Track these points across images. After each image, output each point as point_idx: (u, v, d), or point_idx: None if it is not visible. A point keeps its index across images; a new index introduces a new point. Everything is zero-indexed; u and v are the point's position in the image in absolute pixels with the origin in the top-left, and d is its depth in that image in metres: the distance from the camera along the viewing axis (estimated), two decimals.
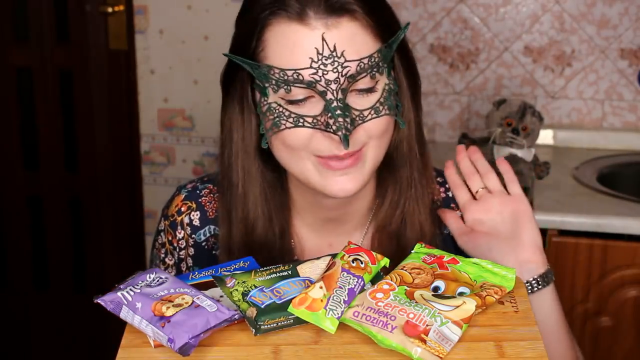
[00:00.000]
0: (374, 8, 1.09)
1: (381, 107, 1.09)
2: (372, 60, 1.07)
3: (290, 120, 1.08)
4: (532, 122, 2.09)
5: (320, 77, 1.05)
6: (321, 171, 1.11)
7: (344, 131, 1.05)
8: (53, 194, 2.87)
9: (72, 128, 2.81)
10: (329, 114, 1.06)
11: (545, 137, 2.49)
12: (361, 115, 1.08)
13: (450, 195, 1.28)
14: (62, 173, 2.86)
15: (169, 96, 2.69)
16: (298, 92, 1.07)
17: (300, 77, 1.06)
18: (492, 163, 2.08)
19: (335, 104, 1.06)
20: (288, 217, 1.24)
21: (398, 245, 1.20)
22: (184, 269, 1.28)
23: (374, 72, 1.08)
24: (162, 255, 1.30)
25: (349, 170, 1.11)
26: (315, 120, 1.07)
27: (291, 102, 1.08)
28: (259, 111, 1.11)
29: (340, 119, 1.05)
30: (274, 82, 1.07)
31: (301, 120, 1.08)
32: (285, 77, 1.06)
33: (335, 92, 1.06)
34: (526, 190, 2.06)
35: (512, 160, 2.08)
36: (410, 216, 1.20)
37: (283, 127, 1.09)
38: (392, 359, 0.92)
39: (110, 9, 2.65)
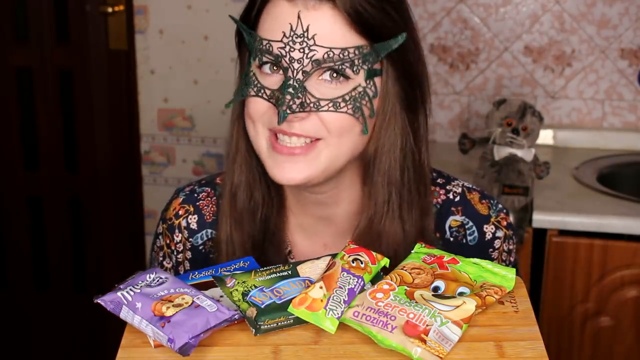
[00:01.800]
0: (363, 6, 1.07)
1: (343, 104, 1.08)
2: (345, 53, 1.07)
3: (255, 89, 1.10)
4: (532, 122, 2.09)
5: (286, 52, 1.06)
6: (270, 152, 1.12)
7: (284, 107, 1.06)
8: (53, 194, 2.87)
9: (72, 128, 2.81)
10: (282, 90, 1.07)
11: (545, 137, 2.49)
12: (317, 104, 1.07)
13: (451, 197, 1.26)
14: (62, 173, 2.85)
15: (169, 96, 2.69)
16: (269, 63, 1.09)
17: (270, 49, 1.07)
18: (493, 163, 2.09)
19: (291, 82, 1.06)
20: (282, 210, 1.23)
21: None
22: (182, 272, 1.27)
23: (343, 67, 1.07)
24: (160, 259, 1.30)
25: (297, 159, 1.10)
26: (272, 94, 1.09)
27: (262, 72, 1.10)
28: (243, 76, 1.13)
29: (288, 97, 1.06)
30: (254, 49, 1.09)
31: (262, 92, 1.09)
32: (260, 46, 1.08)
33: (295, 72, 1.06)
34: (526, 190, 2.07)
35: (512, 160, 2.08)
36: (385, 236, 1.17)
37: (247, 94, 1.11)
38: (392, 359, 0.92)
39: (110, 9, 2.65)
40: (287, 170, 1.11)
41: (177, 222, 1.27)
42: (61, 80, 2.78)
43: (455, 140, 2.41)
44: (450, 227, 1.25)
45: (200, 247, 1.27)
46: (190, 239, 1.26)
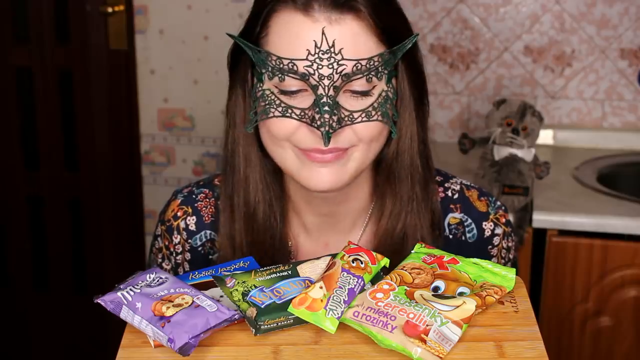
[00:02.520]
0: (381, 11, 1.08)
1: (374, 112, 1.08)
2: (371, 63, 1.06)
3: (280, 109, 1.08)
4: (532, 122, 2.09)
5: (314, 70, 1.05)
6: (302, 160, 1.11)
7: (327, 128, 1.05)
8: (53, 194, 2.87)
9: (72, 128, 2.81)
10: (317, 109, 1.05)
11: (545, 137, 2.49)
12: (351, 117, 1.07)
13: (450, 194, 1.27)
14: (62, 173, 2.85)
15: (169, 96, 2.69)
16: (291, 83, 1.07)
17: (295, 68, 1.05)
18: (493, 163, 2.09)
19: (324, 99, 1.05)
20: (286, 209, 1.23)
21: (398, 260, 1.19)
22: (181, 274, 1.27)
23: (371, 76, 1.07)
24: (160, 260, 1.29)
25: (329, 165, 1.10)
26: (302, 113, 1.07)
27: (283, 92, 1.08)
28: (253, 96, 1.11)
29: (327, 116, 1.05)
30: (270, 68, 1.07)
31: (289, 111, 1.08)
32: (281, 66, 1.06)
33: (327, 88, 1.05)
34: (526, 190, 2.07)
35: (512, 160, 2.08)
36: (411, 231, 1.19)
37: (271, 115, 1.08)
38: (392, 359, 0.92)
39: (110, 9, 2.64)
40: (321, 175, 1.11)
41: (175, 223, 1.27)
42: (61, 80, 2.78)
43: (455, 140, 2.41)
44: (449, 225, 1.26)
45: (199, 249, 1.26)
46: (189, 240, 1.26)
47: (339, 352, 0.93)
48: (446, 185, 1.27)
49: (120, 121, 2.76)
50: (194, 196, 1.27)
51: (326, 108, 1.05)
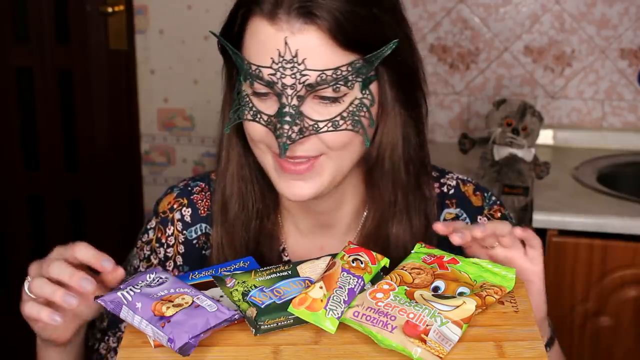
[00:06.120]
0: (349, 21, 1.04)
1: (342, 122, 1.06)
2: (339, 73, 1.04)
3: (251, 113, 1.08)
4: (532, 122, 2.09)
5: (277, 79, 1.04)
6: (277, 170, 1.11)
7: (284, 139, 1.04)
8: (53, 194, 2.87)
9: (72, 128, 2.81)
10: (279, 118, 1.05)
11: (545, 137, 2.49)
12: (315, 126, 1.05)
13: (446, 190, 1.26)
14: (62, 173, 2.86)
15: (169, 96, 2.69)
16: (260, 87, 1.07)
17: (261, 74, 1.05)
18: (493, 163, 2.09)
19: (287, 109, 1.04)
20: (278, 209, 1.23)
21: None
22: (170, 268, 1.26)
23: (338, 86, 1.04)
24: (147, 253, 1.28)
25: (304, 176, 1.09)
26: (269, 120, 1.07)
27: (256, 95, 1.08)
28: (234, 95, 1.11)
29: (286, 126, 1.04)
30: (243, 71, 1.07)
31: (258, 116, 1.07)
32: (250, 70, 1.06)
33: (289, 98, 1.04)
34: (526, 190, 2.07)
35: (512, 160, 2.08)
36: (394, 237, 1.17)
37: (244, 118, 1.09)
38: (392, 359, 0.92)
39: (110, 9, 2.65)
40: (296, 187, 1.10)
41: (171, 215, 1.26)
42: (61, 80, 2.78)
43: (455, 140, 2.41)
44: (445, 220, 1.25)
45: (194, 242, 1.26)
46: (184, 232, 1.26)
47: (339, 352, 0.93)
48: (442, 180, 1.26)
49: (120, 121, 2.76)
50: (189, 189, 1.27)
51: (287, 118, 1.04)
